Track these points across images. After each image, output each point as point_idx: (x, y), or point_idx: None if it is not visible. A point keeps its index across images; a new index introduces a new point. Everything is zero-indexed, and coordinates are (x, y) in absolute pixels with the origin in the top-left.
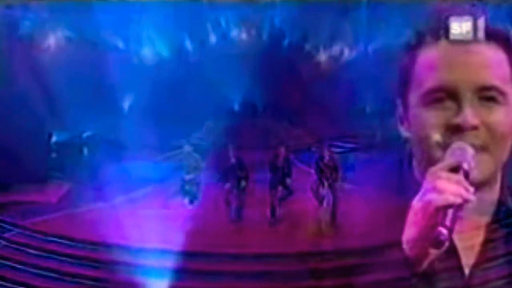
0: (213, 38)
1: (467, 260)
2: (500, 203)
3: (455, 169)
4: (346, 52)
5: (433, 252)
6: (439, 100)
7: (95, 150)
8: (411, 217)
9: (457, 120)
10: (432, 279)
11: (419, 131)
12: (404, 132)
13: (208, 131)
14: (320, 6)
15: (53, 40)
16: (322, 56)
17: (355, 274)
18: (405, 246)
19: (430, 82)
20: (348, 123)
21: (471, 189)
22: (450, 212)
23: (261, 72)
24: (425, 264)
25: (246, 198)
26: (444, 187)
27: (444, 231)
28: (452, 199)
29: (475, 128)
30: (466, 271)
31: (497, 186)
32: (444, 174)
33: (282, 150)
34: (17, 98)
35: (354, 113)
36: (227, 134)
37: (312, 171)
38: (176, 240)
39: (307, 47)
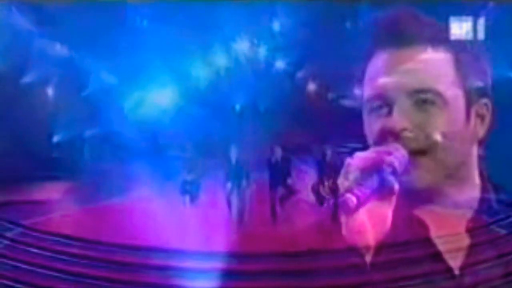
0: (215, 43)
1: (455, 262)
2: (482, 200)
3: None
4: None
5: (370, 238)
6: (377, 107)
7: (96, 150)
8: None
9: (388, 124)
10: (422, 282)
11: (367, 138)
12: None
13: (209, 130)
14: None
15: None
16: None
17: (355, 274)
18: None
19: (368, 91)
20: (350, 122)
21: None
22: (359, 179)
23: (262, 73)
24: (368, 253)
25: (247, 198)
26: (353, 161)
27: (351, 196)
28: (357, 162)
29: (405, 130)
30: (456, 273)
31: (475, 182)
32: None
33: (279, 149)
34: (18, 97)
35: (356, 112)
36: (228, 133)
37: (313, 171)
38: (177, 240)
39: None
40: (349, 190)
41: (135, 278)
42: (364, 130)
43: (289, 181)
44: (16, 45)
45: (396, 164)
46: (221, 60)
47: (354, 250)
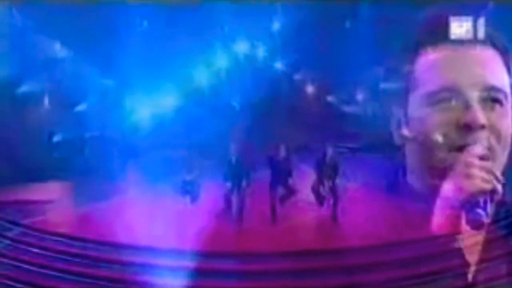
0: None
1: (470, 258)
2: (501, 202)
3: (483, 157)
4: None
5: (466, 231)
6: (444, 101)
7: (96, 150)
8: (441, 202)
9: (466, 119)
10: (438, 277)
11: (423, 132)
12: (399, 138)
13: (209, 130)
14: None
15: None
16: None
17: (355, 274)
18: (435, 228)
19: (433, 83)
20: (349, 122)
21: (501, 178)
22: (484, 196)
23: (263, 74)
24: (458, 241)
25: (247, 197)
26: (477, 173)
27: (483, 212)
28: (484, 185)
29: (483, 127)
30: (470, 269)
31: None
32: (477, 161)
33: (282, 149)
34: (18, 96)
35: (356, 112)
36: (228, 134)
37: (312, 170)
38: (177, 240)
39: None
40: (477, 204)
41: (136, 278)
42: (420, 125)
43: (290, 181)
44: (15, 46)
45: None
46: (221, 61)
47: (450, 237)
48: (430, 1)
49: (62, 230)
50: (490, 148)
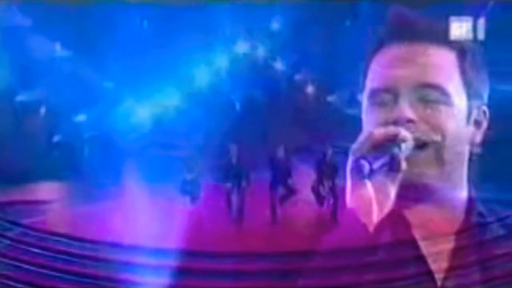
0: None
1: (437, 265)
2: (470, 202)
3: (404, 140)
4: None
5: (375, 213)
6: (382, 100)
7: (96, 150)
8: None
9: (394, 115)
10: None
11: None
12: None
13: (209, 130)
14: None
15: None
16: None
17: (354, 274)
18: (360, 216)
19: (374, 82)
20: (349, 123)
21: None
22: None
23: (262, 71)
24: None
25: (247, 197)
26: (374, 130)
27: (365, 162)
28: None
29: (410, 121)
30: (437, 276)
31: (463, 184)
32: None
33: (282, 149)
34: (18, 98)
35: (356, 113)
36: (228, 133)
37: (312, 171)
38: (177, 240)
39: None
40: (363, 157)
41: (135, 278)
42: (363, 125)
43: (290, 181)
44: (16, 45)
45: (408, 142)
46: (222, 61)
47: (358, 224)
48: (430, 1)
49: (62, 230)
50: (424, 144)
